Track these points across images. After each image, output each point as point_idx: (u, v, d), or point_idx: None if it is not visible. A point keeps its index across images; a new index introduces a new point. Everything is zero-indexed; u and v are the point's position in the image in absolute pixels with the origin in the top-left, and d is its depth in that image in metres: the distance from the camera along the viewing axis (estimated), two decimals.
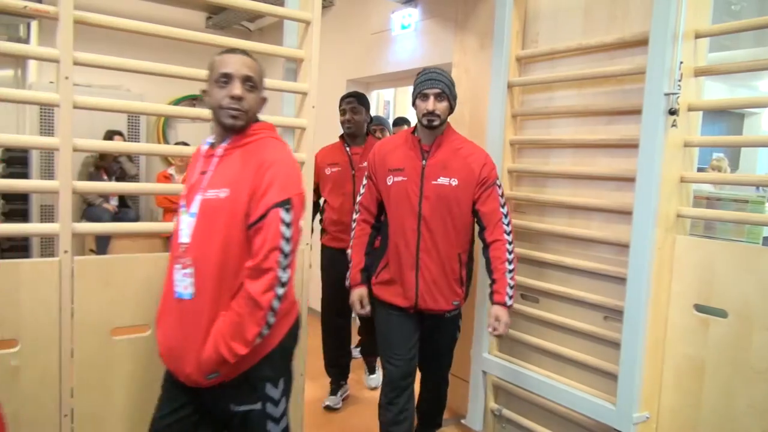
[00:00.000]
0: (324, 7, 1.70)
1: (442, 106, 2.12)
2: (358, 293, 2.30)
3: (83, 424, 1.82)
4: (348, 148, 3.05)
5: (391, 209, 2.23)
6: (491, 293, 2.13)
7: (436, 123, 2.12)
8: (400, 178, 2.19)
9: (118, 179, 5.17)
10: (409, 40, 3.96)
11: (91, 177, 4.95)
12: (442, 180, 2.13)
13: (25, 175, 5.03)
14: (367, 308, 2.30)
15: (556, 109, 2.41)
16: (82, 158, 5.01)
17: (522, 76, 2.55)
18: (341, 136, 3.12)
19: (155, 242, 4.62)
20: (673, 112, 1.90)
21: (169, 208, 5.30)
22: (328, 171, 3.05)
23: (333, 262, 2.99)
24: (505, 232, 2.16)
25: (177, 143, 5.85)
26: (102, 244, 4.86)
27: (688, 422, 1.99)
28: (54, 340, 1.75)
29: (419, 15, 3.86)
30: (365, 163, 2.63)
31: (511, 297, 2.11)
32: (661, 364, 2.06)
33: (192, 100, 6.14)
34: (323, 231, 3.10)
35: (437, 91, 2.10)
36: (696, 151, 2.10)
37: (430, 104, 2.09)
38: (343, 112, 3.06)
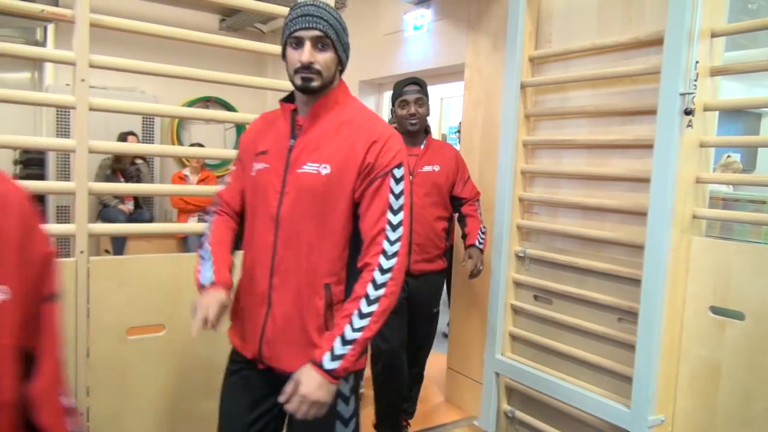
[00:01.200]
0: (336, 8, 1.70)
1: (325, 57, 1.36)
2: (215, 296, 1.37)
3: (99, 423, 1.84)
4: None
5: (247, 211, 1.50)
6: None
7: (315, 84, 1.36)
8: (262, 165, 1.45)
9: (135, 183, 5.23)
10: (422, 41, 3.95)
11: (108, 180, 5.01)
12: (309, 167, 1.37)
13: (41, 177, 5.10)
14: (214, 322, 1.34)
15: (570, 109, 2.39)
16: (99, 161, 5.07)
17: (535, 77, 2.54)
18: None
19: (170, 243, 4.66)
20: (688, 112, 1.88)
21: (184, 209, 5.35)
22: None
23: None
24: (384, 254, 1.33)
25: (191, 145, 5.90)
26: (118, 245, 4.91)
27: (703, 425, 1.97)
28: (70, 340, 1.77)
29: (432, 16, 3.86)
30: (427, 167, 2.60)
31: (335, 370, 1.28)
32: (677, 366, 2.04)
33: (206, 101, 6.19)
34: None
35: (316, 34, 1.33)
36: (712, 151, 2.08)
37: (306, 54, 1.34)
38: (402, 105, 2.54)
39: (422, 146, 2.64)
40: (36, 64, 5.62)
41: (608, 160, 2.25)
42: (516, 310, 2.58)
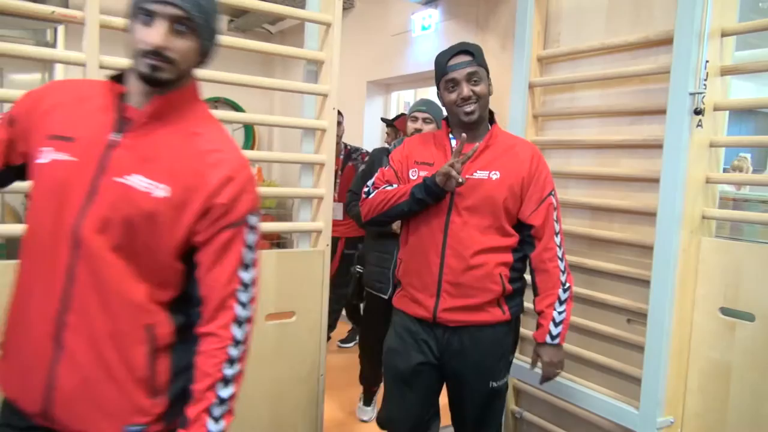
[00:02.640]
0: (344, 9, 1.70)
1: (184, 45, 1.04)
2: None
3: None
4: (453, 140, 1.84)
5: (30, 214, 1.10)
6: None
7: (165, 75, 1.03)
8: (61, 156, 1.05)
9: None
10: (430, 42, 3.95)
11: None
12: (139, 181, 1.03)
13: None
14: None
15: (579, 109, 2.39)
16: None
17: (544, 77, 2.53)
18: (444, 120, 1.91)
19: None
20: (698, 111, 1.87)
21: None
22: (414, 174, 1.84)
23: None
24: (237, 322, 1.09)
25: None
26: None
27: (713, 427, 1.96)
28: None
29: (439, 16, 3.85)
30: (480, 174, 1.76)
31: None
32: (686, 367, 2.03)
33: (214, 102, 6.22)
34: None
35: (176, 12, 1.01)
36: (722, 151, 2.06)
37: (159, 35, 1.01)
38: (450, 86, 1.77)
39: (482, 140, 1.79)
40: (46, 65, 5.66)
41: (617, 160, 2.24)
42: (524, 311, 2.57)
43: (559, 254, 1.80)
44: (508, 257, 1.79)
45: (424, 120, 2.66)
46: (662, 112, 1.96)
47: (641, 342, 2.03)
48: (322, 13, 2.16)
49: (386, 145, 3.41)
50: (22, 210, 5.55)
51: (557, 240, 1.80)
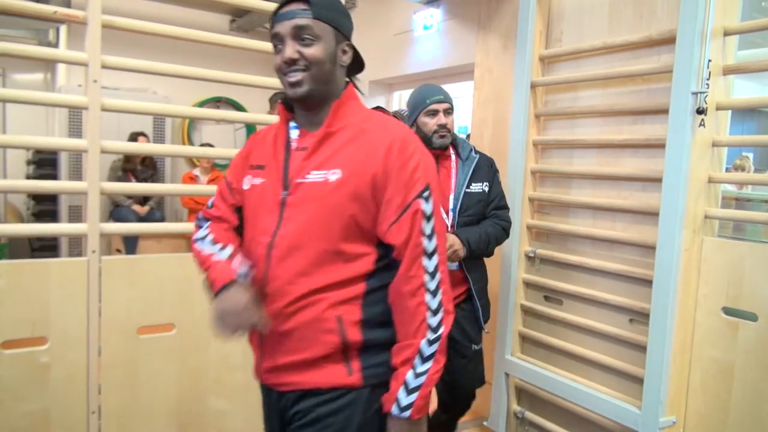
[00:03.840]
0: (347, 8, 1.69)
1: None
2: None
3: (110, 421, 1.86)
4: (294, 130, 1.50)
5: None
6: None
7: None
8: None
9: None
10: (432, 41, 3.95)
11: (119, 181, 5.04)
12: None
13: (54, 177, 5.15)
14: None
15: (581, 109, 2.38)
16: (110, 162, 5.11)
17: (545, 76, 2.53)
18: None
19: (180, 242, 4.69)
20: (700, 111, 1.87)
21: (195, 208, 5.39)
22: (247, 184, 1.56)
23: None
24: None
25: (201, 145, 5.93)
26: (130, 244, 4.95)
27: (716, 426, 1.95)
28: (82, 338, 1.79)
29: (441, 15, 3.85)
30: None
31: None
32: (688, 367, 2.02)
33: (216, 102, 6.22)
34: None
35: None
36: (725, 151, 2.06)
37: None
38: (281, 40, 1.31)
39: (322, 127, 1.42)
40: (49, 65, 5.68)
41: (619, 159, 2.24)
42: (526, 311, 2.57)
43: (431, 285, 1.19)
44: (357, 290, 1.21)
45: (446, 112, 2.17)
46: (665, 111, 1.96)
47: (643, 342, 2.02)
48: None
49: None
50: (24, 210, 5.56)
51: (429, 264, 1.20)
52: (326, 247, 1.18)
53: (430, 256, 1.20)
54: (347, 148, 1.22)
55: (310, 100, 1.24)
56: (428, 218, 1.20)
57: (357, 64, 1.35)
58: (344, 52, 1.28)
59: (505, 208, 2.29)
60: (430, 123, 2.15)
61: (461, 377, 2.25)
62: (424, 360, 1.18)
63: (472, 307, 2.25)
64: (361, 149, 1.21)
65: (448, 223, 2.16)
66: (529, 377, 2.48)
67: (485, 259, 2.32)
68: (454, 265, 2.15)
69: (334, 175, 1.20)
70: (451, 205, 2.17)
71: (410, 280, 1.19)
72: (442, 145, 2.16)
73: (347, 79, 1.33)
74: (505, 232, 2.24)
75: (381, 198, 1.20)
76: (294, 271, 1.18)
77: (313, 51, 1.20)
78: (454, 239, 2.07)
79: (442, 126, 2.14)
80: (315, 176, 1.21)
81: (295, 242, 1.19)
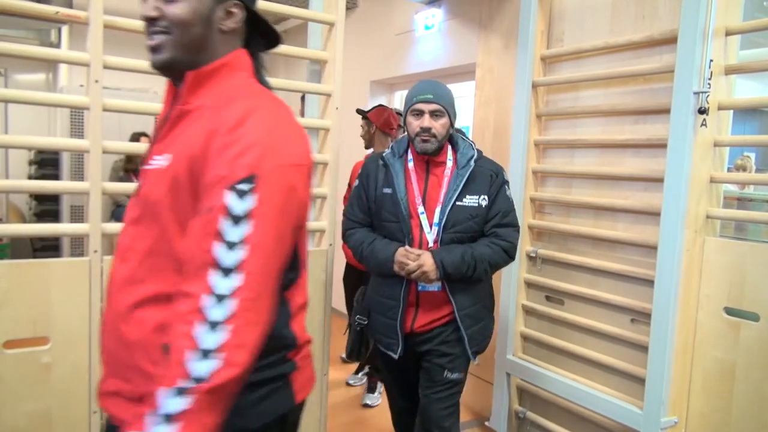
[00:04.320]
0: (348, 8, 1.68)
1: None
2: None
3: None
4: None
5: None
6: None
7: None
8: None
9: None
10: (433, 41, 3.94)
11: (121, 181, 5.05)
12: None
13: (56, 177, 5.15)
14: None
15: (582, 108, 2.38)
16: (112, 163, 5.11)
17: (547, 76, 2.53)
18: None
19: None
20: (702, 111, 1.87)
21: None
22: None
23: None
24: None
25: None
26: None
27: (717, 427, 1.95)
28: (84, 338, 1.78)
29: (443, 15, 3.84)
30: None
31: None
32: (690, 367, 2.02)
33: None
34: None
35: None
36: (726, 150, 2.06)
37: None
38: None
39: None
40: (50, 65, 5.68)
41: (621, 159, 2.24)
42: (527, 311, 2.57)
43: (213, 313, 0.83)
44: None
45: (434, 114, 1.89)
46: (666, 111, 1.96)
47: (645, 342, 2.02)
48: (326, 13, 2.16)
49: (386, 150, 2.11)
50: (26, 210, 5.57)
51: (220, 284, 0.84)
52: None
53: (225, 272, 0.83)
54: (190, 128, 0.96)
55: (176, 72, 1.00)
56: (236, 220, 0.85)
57: (267, 36, 1.08)
58: (228, 13, 1.00)
59: (510, 226, 1.95)
60: (413, 124, 1.90)
61: (425, 404, 1.95)
62: (168, 420, 0.79)
63: (457, 330, 1.92)
64: (196, 128, 0.94)
65: (431, 239, 1.88)
66: (530, 377, 2.48)
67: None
68: (435, 286, 1.88)
69: (166, 161, 0.95)
70: (436, 219, 1.89)
71: (184, 299, 0.85)
72: (424, 151, 1.89)
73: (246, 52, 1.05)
74: (506, 254, 1.92)
75: (198, 188, 0.91)
76: (122, 278, 1.00)
77: (175, 9, 0.94)
78: (426, 258, 1.81)
79: (425, 129, 1.86)
80: (156, 162, 0.98)
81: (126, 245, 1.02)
